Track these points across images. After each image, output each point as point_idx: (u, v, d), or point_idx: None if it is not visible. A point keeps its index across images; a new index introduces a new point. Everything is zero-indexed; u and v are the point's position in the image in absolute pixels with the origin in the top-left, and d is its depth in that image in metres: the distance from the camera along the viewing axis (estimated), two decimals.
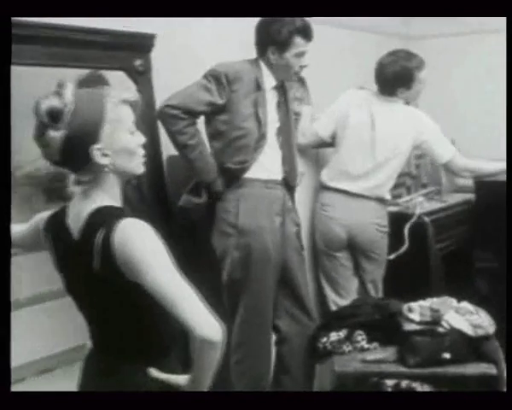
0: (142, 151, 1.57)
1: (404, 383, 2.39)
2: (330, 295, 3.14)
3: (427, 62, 3.11)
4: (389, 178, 3.11)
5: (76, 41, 2.51)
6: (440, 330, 2.42)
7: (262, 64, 2.57)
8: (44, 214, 1.68)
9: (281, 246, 2.59)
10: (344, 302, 3.07)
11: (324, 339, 2.59)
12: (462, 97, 4.09)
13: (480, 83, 4.00)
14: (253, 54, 2.63)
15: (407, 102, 3.16)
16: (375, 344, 2.58)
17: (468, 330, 2.40)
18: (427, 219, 3.41)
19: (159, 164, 2.52)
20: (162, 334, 1.63)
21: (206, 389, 1.53)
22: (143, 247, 1.44)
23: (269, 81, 2.57)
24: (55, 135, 1.44)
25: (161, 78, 2.52)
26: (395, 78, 3.02)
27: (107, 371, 1.62)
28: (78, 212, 1.54)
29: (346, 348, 2.56)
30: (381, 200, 3.11)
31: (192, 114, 2.40)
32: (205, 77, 2.46)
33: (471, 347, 2.40)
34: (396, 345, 2.52)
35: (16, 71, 1.82)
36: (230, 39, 2.85)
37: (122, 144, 1.50)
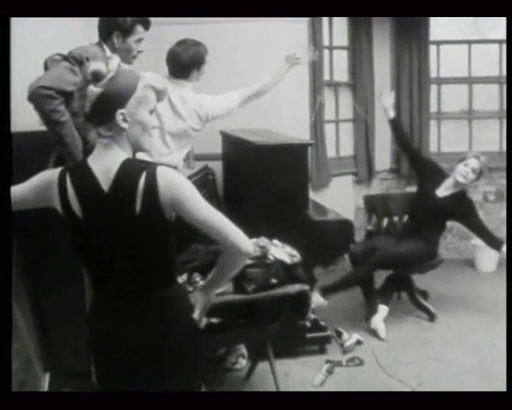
0: (152, 132, 1.86)
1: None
2: None
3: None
4: (183, 151, 3.61)
5: None
6: (268, 261, 3.04)
7: (106, 48, 2.85)
8: (55, 170, 1.83)
9: None
10: None
11: None
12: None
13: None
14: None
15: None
16: None
17: (287, 259, 3.09)
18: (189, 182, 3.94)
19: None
20: (174, 262, 1.91)
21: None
22: (186, 187, 1.78)
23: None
24: (94, 90, 1.75)
25: None
26: (191, 61, 3.50)
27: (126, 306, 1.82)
28: (106, 165, 1.77)
29: (189, 288, 2.95)
30: (175, 168, 3.49)
31: (63, 94, 2.57)
32: (67, 60, 2.64)
33: (289, 272, 3.10)
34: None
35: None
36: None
37: (140, 118, 1.79)
